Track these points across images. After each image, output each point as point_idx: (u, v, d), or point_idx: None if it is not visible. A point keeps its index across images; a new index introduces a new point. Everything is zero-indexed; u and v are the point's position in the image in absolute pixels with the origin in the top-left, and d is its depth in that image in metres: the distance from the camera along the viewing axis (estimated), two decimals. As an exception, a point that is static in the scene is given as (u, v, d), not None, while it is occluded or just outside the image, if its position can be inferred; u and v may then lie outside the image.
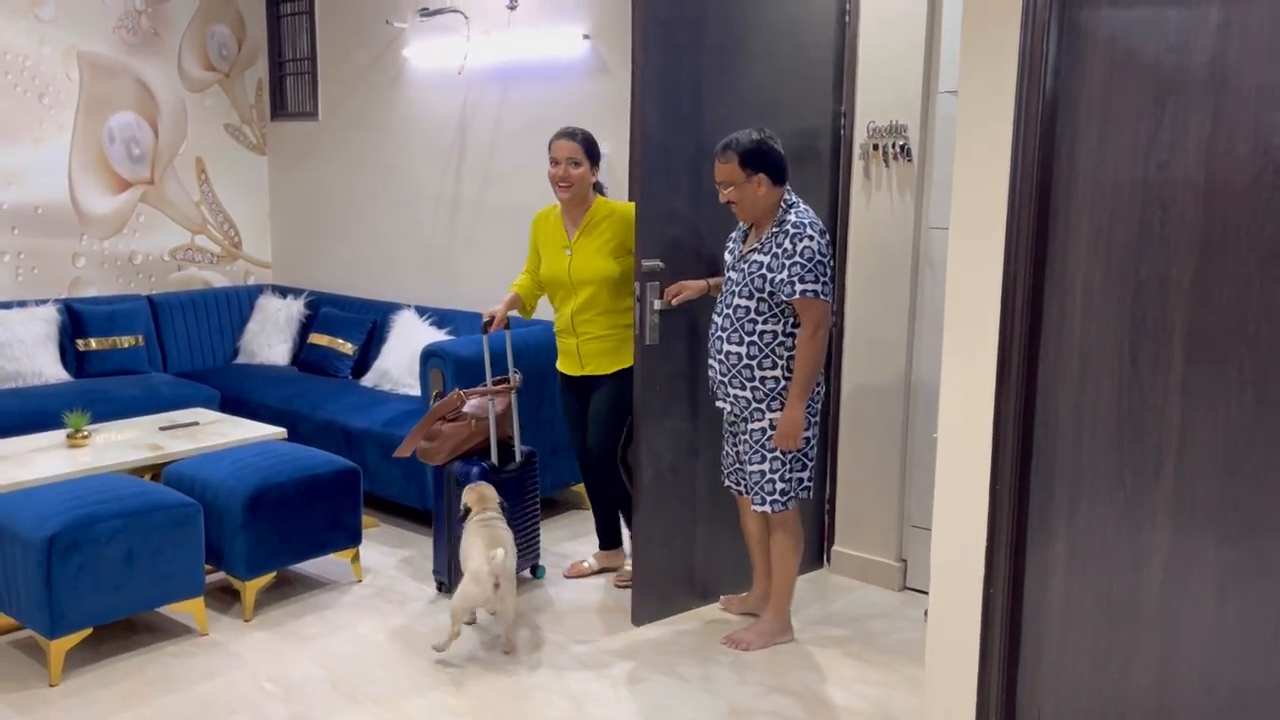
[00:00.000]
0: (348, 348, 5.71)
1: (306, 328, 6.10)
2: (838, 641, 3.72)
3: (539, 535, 4.23)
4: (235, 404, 5.50)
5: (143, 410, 5.05)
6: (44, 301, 5.62)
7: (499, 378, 4.10)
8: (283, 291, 6.45)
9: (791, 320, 3.46)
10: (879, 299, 4.12)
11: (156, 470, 4.17)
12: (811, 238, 3.36)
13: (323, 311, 6.08)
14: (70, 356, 5.61)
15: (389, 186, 6.06)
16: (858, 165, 4.10)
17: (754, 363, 3.47)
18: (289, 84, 6.58)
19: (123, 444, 4.38)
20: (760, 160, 3.35)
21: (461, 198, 5.64)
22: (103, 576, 3.41)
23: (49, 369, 5.43)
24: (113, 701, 3.26)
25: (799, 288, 3.34)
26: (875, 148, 4.02)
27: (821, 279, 3.38)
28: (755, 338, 3.46)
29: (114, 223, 6.05)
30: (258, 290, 6.55)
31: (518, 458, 4.02)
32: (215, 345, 6.29)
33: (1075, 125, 2.30)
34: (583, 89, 5.00)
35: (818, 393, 3.54)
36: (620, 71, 4.74)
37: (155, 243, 6.25)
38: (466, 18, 5.28)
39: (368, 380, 5.51)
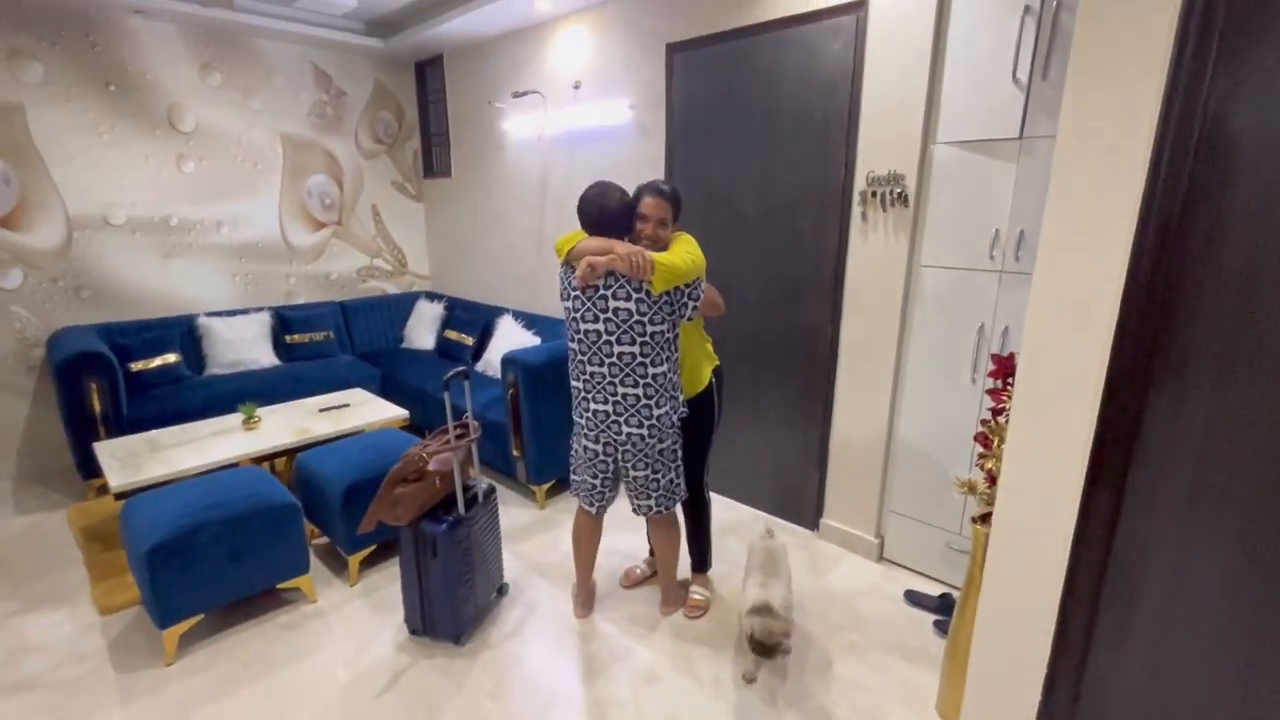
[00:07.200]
0: (468, 340, 5.65)
1: (446, 324, 6.12)
2: (837, 629, 2.96)
3: (501, 558, 3.19)
4: (391, 380, 5.32)
5: (325, 386, 4.85)
6: (261, 309, 5.58)
7: (458, 425, 3.01)
8: (431, 297, 6.42)
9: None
10: (872, 325, 3.30)
11: (300, 449, 3.68)
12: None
13: (454, 313, 5.96)
14: (281, 348, 5.62)
15: (497, 224, 5.82)
16: (855, 210, 3.26)
17: (651, 402, 2.61)
18: (434, 152, 6.55)
19: (281, 428, 3.85)
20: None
21: (544, 232, 5.33)
22: (207, 573, 2.76)
23: (264, 357, 5.46)
24: (221, 681, 2.73)
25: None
26: (873, 194, 3.15)
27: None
28: (649, 380, 2.57)
29: (314, 252, 6.17)
30: (416, 296, 6.60)
31: (480, 499, 3.03)
32: (387, 334, 6.48)
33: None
34: (628, 148, 4.42)
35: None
36: (656, 133, 4.13)
37: (345, 264, 6.42)
38: (544, 96, 4.94)
39: (480, 366, 5.27)
